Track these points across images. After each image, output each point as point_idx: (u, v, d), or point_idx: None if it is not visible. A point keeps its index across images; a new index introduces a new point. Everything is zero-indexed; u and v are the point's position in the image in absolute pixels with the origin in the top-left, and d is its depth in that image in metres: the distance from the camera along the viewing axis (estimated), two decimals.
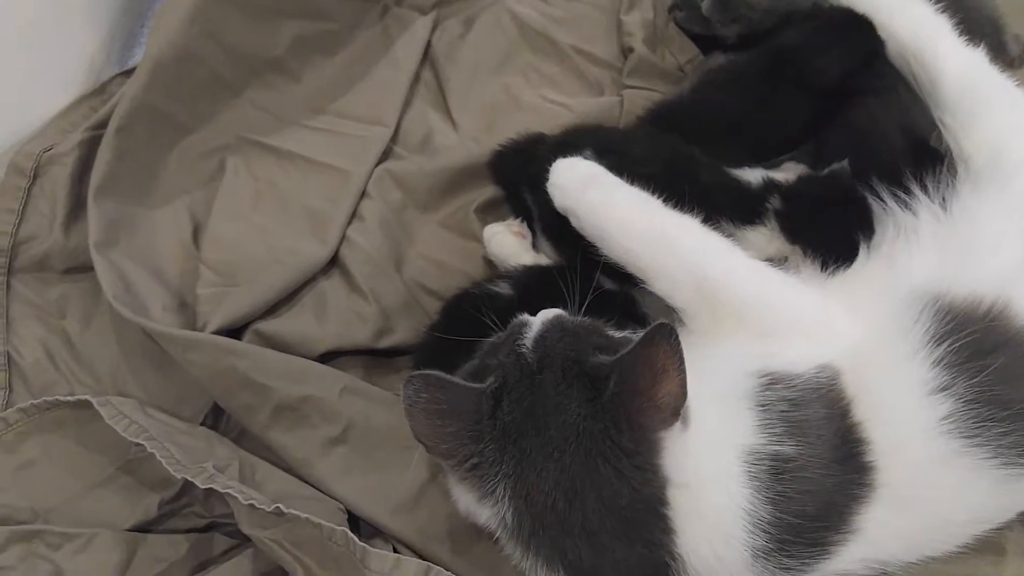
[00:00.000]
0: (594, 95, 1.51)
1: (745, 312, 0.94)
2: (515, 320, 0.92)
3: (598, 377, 0.81)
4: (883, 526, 0.85)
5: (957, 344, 0.87)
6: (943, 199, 1.05)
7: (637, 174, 1.06)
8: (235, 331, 1.22)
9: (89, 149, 1.31)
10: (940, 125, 1.17)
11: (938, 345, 0.88)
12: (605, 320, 0.93)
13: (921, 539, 0.88)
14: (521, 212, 1.30)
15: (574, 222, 1.04)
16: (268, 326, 1.22)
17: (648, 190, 1.03)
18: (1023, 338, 0.89)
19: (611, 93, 1.51)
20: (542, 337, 0.86)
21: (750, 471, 0.82)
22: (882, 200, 1.10)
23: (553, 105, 1.46)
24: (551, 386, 0.82)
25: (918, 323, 0.90)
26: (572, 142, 1.21)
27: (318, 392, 1.14)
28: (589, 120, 1.42)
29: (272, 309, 1.24)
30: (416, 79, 1.48)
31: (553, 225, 1.16)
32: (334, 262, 1.30)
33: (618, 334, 0.91)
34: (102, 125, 1.30)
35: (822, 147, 1.28)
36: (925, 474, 0.86)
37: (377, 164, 1.37)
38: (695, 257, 0.97)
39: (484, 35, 1.53)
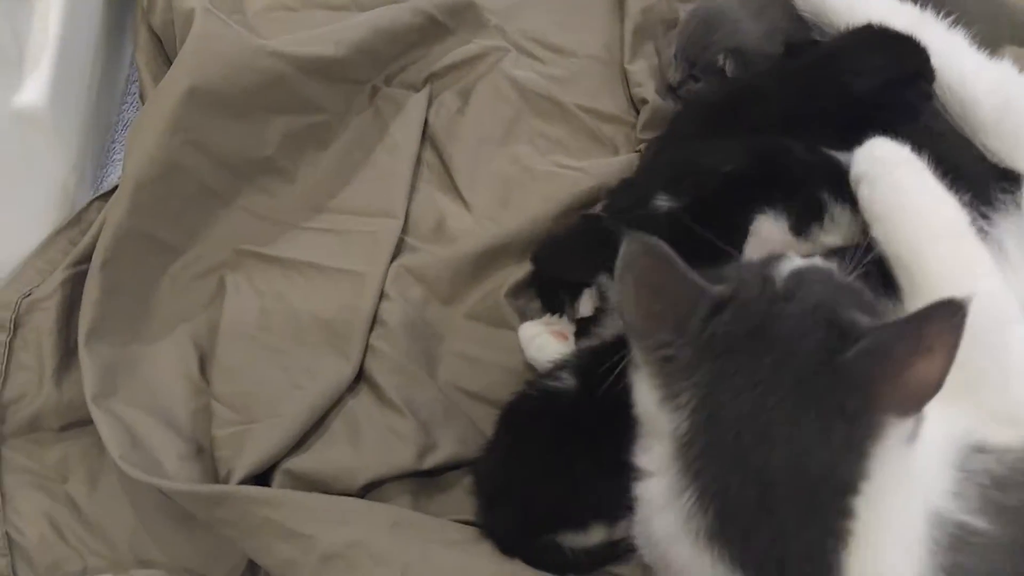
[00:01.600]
0: (608, 154, 1.41)
1: (992, 392, 0.82)
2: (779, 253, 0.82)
3: (848, 333, 0.70)
4: None
5: None
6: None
7: (726, 176, 1.06)
8: (262, 473, 1.09)
9: (73, 289, 1.18)
10: (984, 150, 1.09)
11: None
12: None
13: None
14: (558, 307, 1.20)
15: (866, 192, 0.97)
16: (299, 463, 1.09)
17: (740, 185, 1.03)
18: None
19: (627, 150, 1.42)
20: (800, 272, 0.76)
21: (931, 532, 0.71)
22: None
23: (568, 171, 1.36)
24: (791, 318, 0.71)
25: None
26: (637, 196, 1.14)
27: (366, 534, 1.00)
28: (610, 182, 1.32)
29: (300, 442, 1.11)
30: (418, 162, 1.37)
31: None
32: (360, 377, 1.17)
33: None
34: (84, 260, 1.18)
35: None
36: None
37: (392, 261, 1.26)
38: (985, 302, 0.78)
39: (484, 105, 1.42)
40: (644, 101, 1.44)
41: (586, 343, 1.14)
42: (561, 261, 1.20)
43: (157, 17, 1.29)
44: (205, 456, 1.12)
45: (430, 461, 1.11)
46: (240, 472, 1.06)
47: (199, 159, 1.21)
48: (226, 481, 1.06)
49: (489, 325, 1.23)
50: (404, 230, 1.30)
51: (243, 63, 1.21)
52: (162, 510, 1.08)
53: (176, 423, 1.13)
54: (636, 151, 1.40)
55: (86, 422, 1.11)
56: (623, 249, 0.72)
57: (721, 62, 1.35)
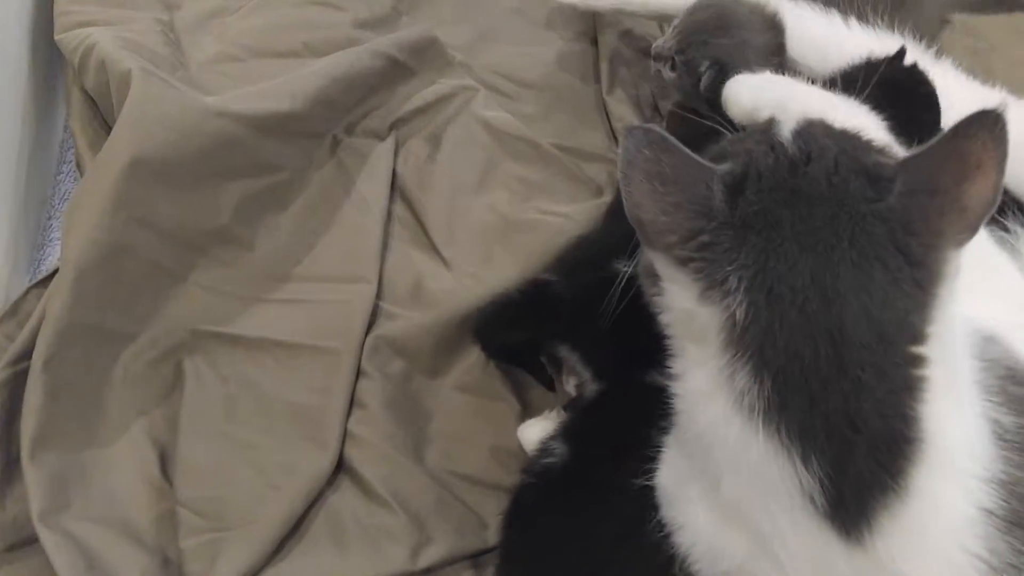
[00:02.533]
0: (592, 196, 1.34)
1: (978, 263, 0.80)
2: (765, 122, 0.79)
3: (881, 177, 0.68)
4: None
5: None
6: None
7: None
8: None
9: (13, 391, 1.05)
10: None
11: None
12: None
13: None
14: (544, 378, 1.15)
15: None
16: (280, 574, 0.98)
17: None
18: None
19: (611, 189, 1.34)
20: (802, 131, 0.74)
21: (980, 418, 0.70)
22: None
23: (552, 217, 1.28)
24: (821, 178, 0.69)
25: None
26: (594, 258, 1.06)
27: None
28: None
29: (279, 548, 1.00)
30: (389, 217, 1.28)
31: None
32: (340, 468, 1.07)
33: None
34: (24, 357, 1.06)
35: None
36: None
37: (367, 332, 1.15)
38: None
39: (455, 151, 1.34)
40: None
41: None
42: (501, 329, 1.13)
43: (90, 79, 1.18)
44: (172, 569, 1.00)
45: (426, 559, 1.01)
46: None
47: (146, 236, 1.10)
48: None
49: (480, 397, 1.14)
50: (379, 295, 1.20)
51: (189, 127, 1.11)
52: None
53: (137, 534, 1.01)
54: None
55: (35, 540, 0.99)
56: (623, 144, 0.67)
57: (702, 69, 1.25)
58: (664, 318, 0.75)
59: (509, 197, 1.31)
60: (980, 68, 1.28)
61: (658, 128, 0.68)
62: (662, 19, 1.46)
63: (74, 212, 1.09)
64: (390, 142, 1.32)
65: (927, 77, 1.08)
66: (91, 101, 1.22)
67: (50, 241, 1.28)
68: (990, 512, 0.67)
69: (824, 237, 0.67)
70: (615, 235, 1.05)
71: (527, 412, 1.14)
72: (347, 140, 1.31)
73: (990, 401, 0.71)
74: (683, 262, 0.69)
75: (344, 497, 1.05)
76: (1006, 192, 0.99)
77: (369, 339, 1.14)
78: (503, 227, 1.27)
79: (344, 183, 1.28)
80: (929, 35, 1.30)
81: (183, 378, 1.12)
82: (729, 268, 0.67)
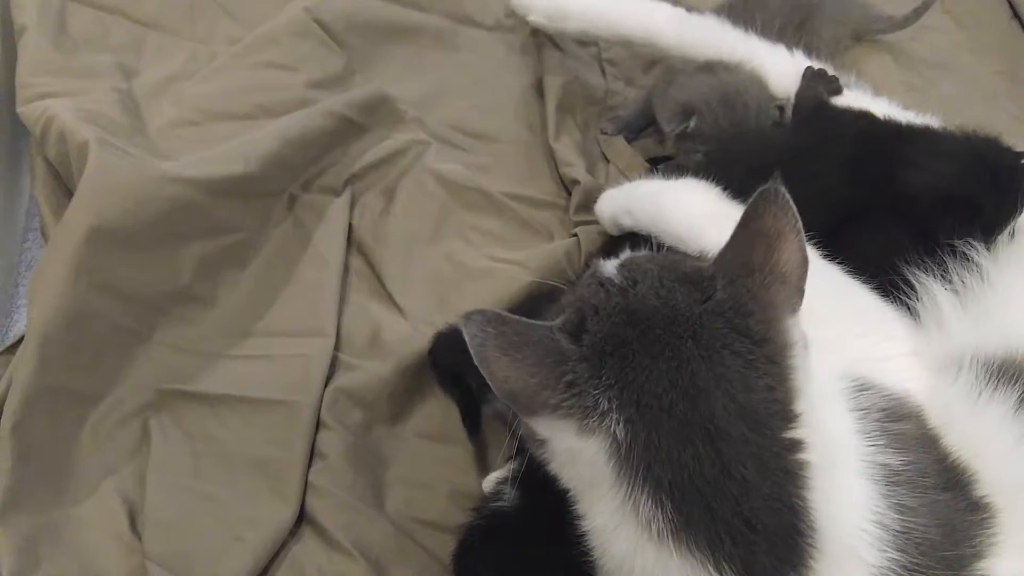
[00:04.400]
0: (544, 242, 1.37)
1: (824, 298, 0.86)
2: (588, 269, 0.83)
3: (702, 279, 0.73)
4: None
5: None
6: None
7: None
8: None
9: None
10: None
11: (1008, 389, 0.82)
12: None
13: None
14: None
15: (626, 223, 1.15)
16: None
17: None
18: None
19: (562, 235, 1.39)
20: (626, 263, 0.78)
21: (865, 471, 0.72)
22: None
23: (505, 265, 1.32)
24: (650, 295, 0.73)
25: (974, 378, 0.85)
26: None
27: None
28: (549, 273, 1.27)
29: None
30: (346, 270, 1.31)
31: None
32: (302, 518, 1.09)
33: None
34: None
35: None
36: None
37: (327, 383, 1.18)
38: None
39: (410, 204, 1.38)
40: (575, 182, 1.40)
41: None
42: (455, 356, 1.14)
43: (52, 150, 1.21)
44: None
45: None
46: None
47: (108, 301, 1.13)
48: None
49: (439, 443, 1.17)
50: (337, 346, 1.23)
51: (146, 194, 1.14)
52: None
53: None
54: (572, 235, 1.35)
55: None
56: (467, 332, 0.69)
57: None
58: (556, 470, 0.76)
59: (463, 246, 1.35)
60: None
61: (493, 310, 0.71)
62: (627, 45, 1.51)
63: (37, 280, 1.11)
64: (345, 197, 1.35)
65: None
66: (54, 170, 1.25)
67: (17, 308, 1.30)
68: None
69: (669, 342, 0.69)
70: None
71: (485, 456, 1.16)
72: (303, 197, 1.34)
73: (875, 446, 0.74)
74: (556, 409, 0.70)
75: (306, 547, 1.07)
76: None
77: (328, 391, 1.17)
78: (457, 275, 1.30)
79: (301, 239, 1.31)
80: (828, 54, 1.41)
81: (149, 436, 1.14)
82: (596, 392, 0.69)
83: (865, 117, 1.21)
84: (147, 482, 1.10)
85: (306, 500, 1.10)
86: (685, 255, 0.81)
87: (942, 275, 0.98)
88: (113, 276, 1.13)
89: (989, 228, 1.00)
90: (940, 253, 0.99)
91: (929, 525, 0.71)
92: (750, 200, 0.71)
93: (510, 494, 1.00)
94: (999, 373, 0.84)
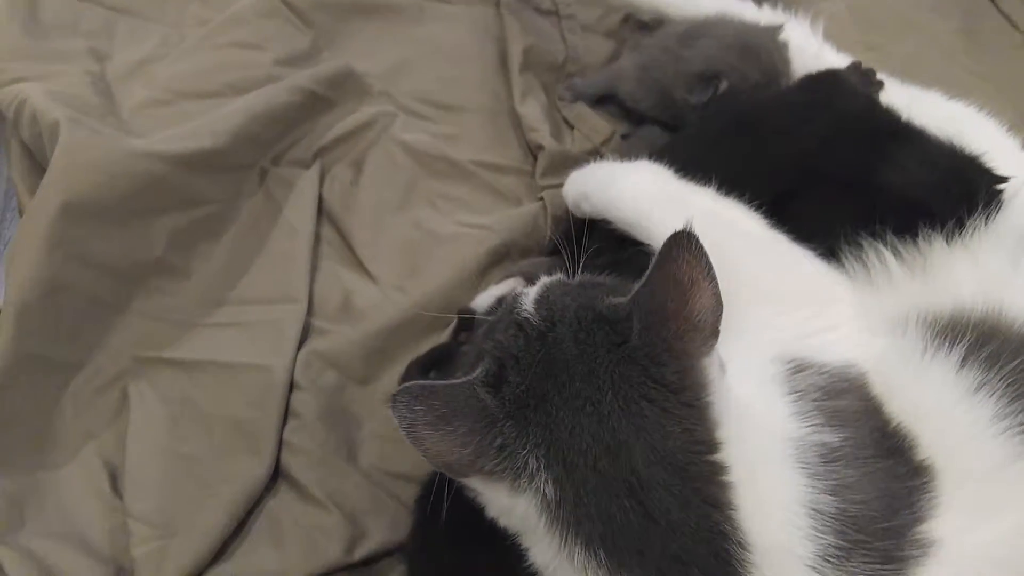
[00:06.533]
0: (511, 207, 1.40)
1: (761, 275, 0.91)
2: (508, 295, 0.84)
3: (618, 319, 0.73)
4: (964, 541, 0.74)
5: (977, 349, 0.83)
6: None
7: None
8: None
9: None
10: None
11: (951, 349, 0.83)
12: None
13: (1009, 565, 0.76)
14: None
15: (585, 208, 1.14)
16: (222, 573, 1.05)
17: None
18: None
19: (529, 199, 1.41)
20: (543, 297, 0.79)
21: (799, 455, 0.73)
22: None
23: (473, 229, 1.35)
24: (568, 339, 0.74)
25: (918, 338, 0.86)
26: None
27: None
28: (516, 236, 1.30)
29: (222, 550, 1.07)
30: (317, 240, 1.34)
31: None
32: (277, 475, 1.13)
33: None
34: None
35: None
36: (996, 480, 0.77)
37: (299, 348, 1.22)
38: (707, 218, 0.87)
39: (378, 174, 1.41)
40: (540, 147, 1.43)
41: None
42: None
43: (25, 131, 1.24)
44: None
45: (360, 552, 1.08)
46: None
47: (83, 272, 1.16)
48: None
49: None
50: (310, 312, 1.26)
51: (116, 170, 1.17)
52: None
53: (92, 547, 1.08)
54: (539, 199, 1.38)
55: None
56: (397, 415, 0.71)
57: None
58: (493, 516, 0.79)
59: (431, 213, 1.38)
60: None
61: (416, 383, 0.71)
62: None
63: (13, 255, 1.14)
64: (315, 169, 1.38)
65: None
66: (29, 152, 1.28)
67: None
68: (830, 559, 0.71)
69: (589, 395, 0.71)
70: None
71: None
72: (274, 170, 1.37)
73: (811, 426, 0.75)
74: (490, 474, 0.72)
75: (282, 501, 1.11)
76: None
77: (301, 354, 1.20)
78: (427, 241, 1.34)
79: (272, 210, 1.34)
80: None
81: (128, 401, 1.17)
82: (525, 452, 0.71)
83: (871, 103, 1.23)
84: (127, 445, 1.14)
85: (281, 457, 1.13)
86: (603, 287, 0.80)
87: (893, 246, 1.00)
88: (88, 249, 1.16)
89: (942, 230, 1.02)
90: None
91: (867, 499, 0.73)
92: (665, 242, 0.71)
93: None
94: (944, 332, 0.85)
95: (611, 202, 1.09)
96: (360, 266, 1.33)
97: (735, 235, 0.98)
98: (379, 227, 1.35)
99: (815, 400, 0.78)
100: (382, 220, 1.36)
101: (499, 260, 1.31)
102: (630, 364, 0.71)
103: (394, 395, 0.71)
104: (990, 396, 0.80)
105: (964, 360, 0.82)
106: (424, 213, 1.37)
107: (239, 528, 1.09)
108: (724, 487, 0.69)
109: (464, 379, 0.74)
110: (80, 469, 1.13)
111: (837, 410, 0.78)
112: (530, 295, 0.80)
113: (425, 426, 0.71)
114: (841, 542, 0.71)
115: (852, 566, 0.71)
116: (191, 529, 1.07)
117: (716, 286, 0.71)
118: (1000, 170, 1.08)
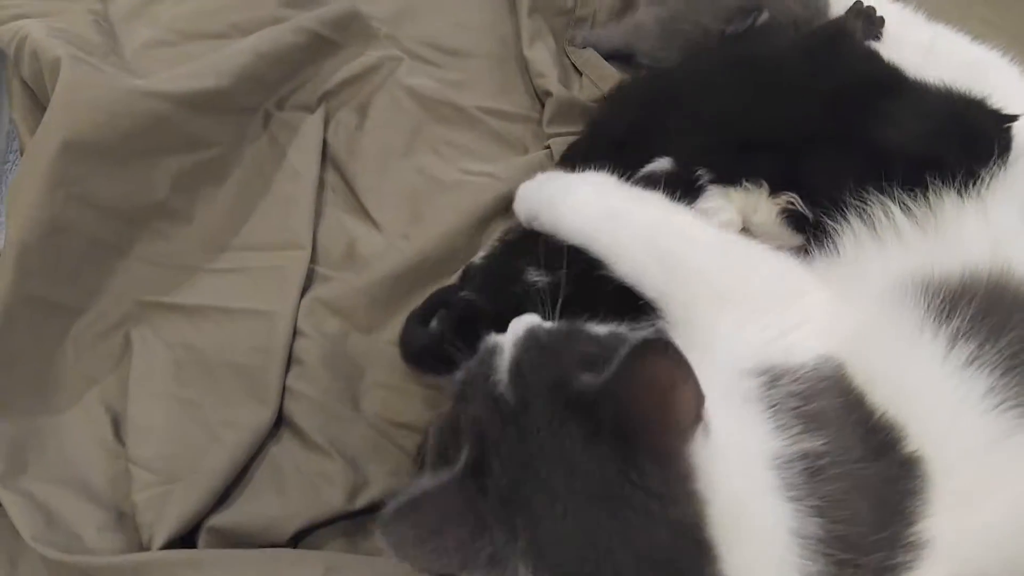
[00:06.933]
0: (518, 155, 1.38)
1: (718, 283, 0.88)
2: (484, 343, 0.80)
3: (590, 404, 0.68)
4: (958, 530, 0.74)
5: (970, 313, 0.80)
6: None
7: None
8: (187, 533, 1.04)
9: None
10: None
11: (950, 318, 0.80)
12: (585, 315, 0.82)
13: (1008, 544, 0.76)
14: None
15: (537, 226, 1.06)
16: (223, 519, 1.04)
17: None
18: None
19: (535, 148, 1.40)
20: (517, 365, 0.75)
21: (784, 477, 0.72)
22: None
23: (478, 177, 1.34)
24: (541, 429, 0.70)
25: (917, 303, 0.83)
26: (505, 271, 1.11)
27: None
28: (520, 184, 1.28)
29: (223, 497, 1.06)
30: (321, 185, 1.32)
31: None
32: (280, 422, 1.12)
33: (604, 330, 0.80)
34: None
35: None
36: (985, 459, 0.76)
37: (303, 294, 1.21)
38: (650, 224, 0.93)
39: (383, 119, 1.39)
40: (548, 93, 1.41)
41: None
42: (427, 342, 1.12)
43: (26, 69, 1.22)
44: (127, 523, 1.05)
45: (363, 499, 1.07)
46: (162, 536, 1.00)
47: (85, 213, 1.14)
48: (148, 547, 1.01)
49: None
50: (313, 259, 1.25)
51: (118, 108, 1.15)
52: None
53: (94, 492, 1.07)
54: (545, 147, 1.36)
55: None
56: (386, 542, 0.70)
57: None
58: None
59: (436, 160, 1.36)
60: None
61: (400, 500, 0.70)
62: None
63: (14, 194, 1.13)
64: (320, 114, 1.36)
65: None
66: (30, 90, 1.26)
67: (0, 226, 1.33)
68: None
69: (567, 498, 0.68)
70: (520, 249, 1.12)
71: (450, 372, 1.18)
72: (278, 114, 1.35)
73: (791, 436, 0.74)
74: None
75: (284, 448, 1.11)
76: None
77: (305, 301, 1.19)
78: (431, 188, 1.32)
79: (276, 155, 1.32)
80: None
81: (131, 347, 1.16)
82: (515, 558, 0.69)
83: (873, 58, 1.20)
84: (129, 390, 1.13)
85: (284, 404, 1.12)
86: (580, 342, 0.76)
87: (901, 203, 0.97)
88: (89, 189, 1.14)
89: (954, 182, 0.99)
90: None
91: (855, 514, 0.72)
92: (635, 346, 0.66)
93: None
94: (947, 299, 0.82)
95: (558, 223, 1.03)
96: (364, 213, 1.31)
97: (686, 242, 0.94)
98: (383, 173, 1.34)
99: (793, 408, 0.76)
100: (386, 166, 1.34)
101: (504, 209, 1.29)
102: (606, 462, 0.68)
103: (381, 521, 0.70)
104: (985, 369, 0.77)
105: (961, 331, 0.80)
106: (429, 160, 1.36)
107: (241, 475, 1.08)
108: (712, 559, 0.68)
109: (448, 477, 0.72)
110: (82, 414, 1.12)
111: (817, 413, 0.76)
112: (505, 357, 0.76)
113: (414, 545, 0.70)
114: (830, 563, 0.70)
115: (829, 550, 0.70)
116: (193, 475, 1.06)
117: (695, 382, 0.67)
118: (1008, 109, 1.06)
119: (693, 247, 0.93)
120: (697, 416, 0.68)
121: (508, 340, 0.78)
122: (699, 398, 0.68)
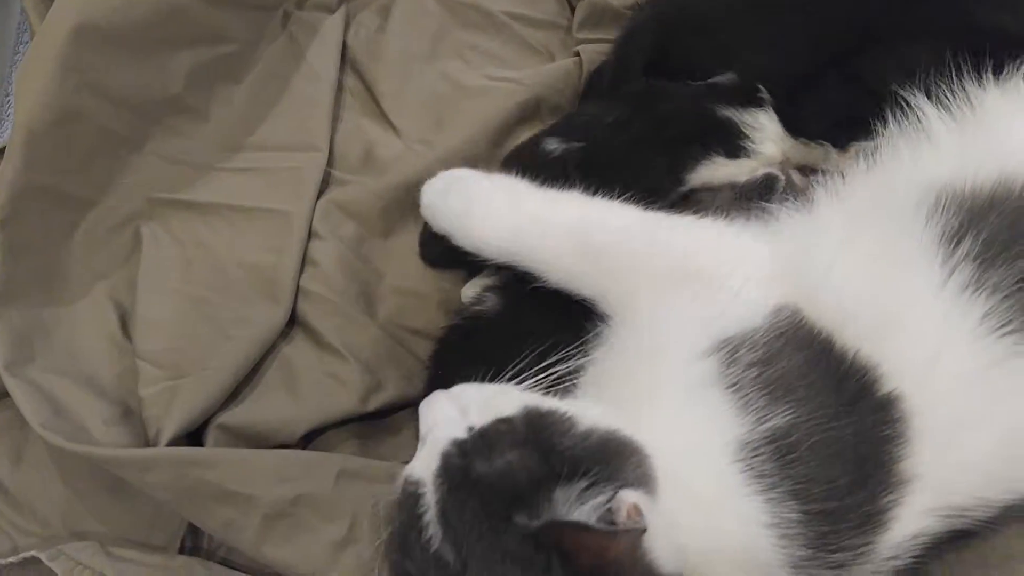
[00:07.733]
0: (544, 62, 1.33)
1: (652, 267, 0.84)
2: (404, 481, 0.74)
3: (531, 548, 0.65)
4: (940, 463, 0.72)
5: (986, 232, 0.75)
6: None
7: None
8: (195, 431, 1.02)
9: None
10: None
11: (960, 240, 0.76)
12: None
13: (996, 466, 0.74)
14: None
15: (455, 241, 0.95)
16: (233, 417, 1.02)
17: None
18: None
19: (563, 55, 1.34)
20: (445, 516, 0.69)
21: (751, 470, 0.70)
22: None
23: (503, 83, 1.29)
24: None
25: (931, 221, 0.78)
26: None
27: (310, 487, 0.95)
28: (547, 92, 1.25)
29: (233, 395, 1.04)
30: (340, 88, 1.29)
31: None
32: (293, 322, 1.10)
33: (545, 406, 0.75)
34: None
35: None
36: (974, 386, 0.73)
37: (319, 197, 1.17)
38: (571, 224, 0.88)
39: (406, 21, 1.34)
40: None
41: None
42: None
43: None
44: (133, 418, 1.04)
45: (375, 402, 1.06)
46: (169, 431, 0.99)
47: (98, 102, 1.10)
48: (155, 442, 0.99)
49: None
50: (330, 163, 1.22)
51: None
52: (93, 479, 1.01)
53: (100, 386, 1.05)
54: (574, 54, 1.31)
55: (4, 394, 1.02)
56: None
57: None
58: None
59: (460, 65, 1.31)
60: None
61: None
62: None
63: (24, 77, 1.09)
64: (340, 15, 1.32)
65: None
66: None
67: (8, 116, 1.29)
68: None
69: None
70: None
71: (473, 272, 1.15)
72: (297, 14, 1.31)
73: (757, 414, 0.72)
74: None
75: (297, 348, 1.09)
76: None
77: (320, 203, 1.16)
78: (453, 94, 1.28)
79: (295, 55, 1.28)
80: None
81: (141, 243, 1.14)
82: None
83: None
84: (138, 287, 1.11)
85: (297, 304, 1.10)
86: (500, 436, 0.71)
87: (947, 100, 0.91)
88: (102, 77, 1.10)
89: None
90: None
91: (833, 480, 0.71)
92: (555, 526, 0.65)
93: (491, 300, 1.02)
94: (964, 217, 0.78)
95: (474, 240, 0.93)
96: (384, 117, 1.27)
97: (613, 233, 0.88)
98: (405, 78, 1.29)
99: (755, 379, 0.74)
100: (408, 71, 1.30)
101: (529, 116, 1.25)
102: None
103: None
104: (984, 292, 0.74)
105: (969, 253, 0.75)
106: (452, 65, 1.31)
107: (252, 374, 1.06)
108: None
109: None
110: (90, 308, 1.10)
111: (780, 377, 0.74)
112: (431, 505, 0.71)
113: None
114: (812, 539, 0.70)
115: (830, 555, 0.71)
116: (202, 371, 1.04)
117: (630, 534, 0.65)
118: None
119: (620, 237, 0.88)
120: (636, 545, 0.66)
121: (427, 474, 0.72)
122: (636, 536, 0.65)
